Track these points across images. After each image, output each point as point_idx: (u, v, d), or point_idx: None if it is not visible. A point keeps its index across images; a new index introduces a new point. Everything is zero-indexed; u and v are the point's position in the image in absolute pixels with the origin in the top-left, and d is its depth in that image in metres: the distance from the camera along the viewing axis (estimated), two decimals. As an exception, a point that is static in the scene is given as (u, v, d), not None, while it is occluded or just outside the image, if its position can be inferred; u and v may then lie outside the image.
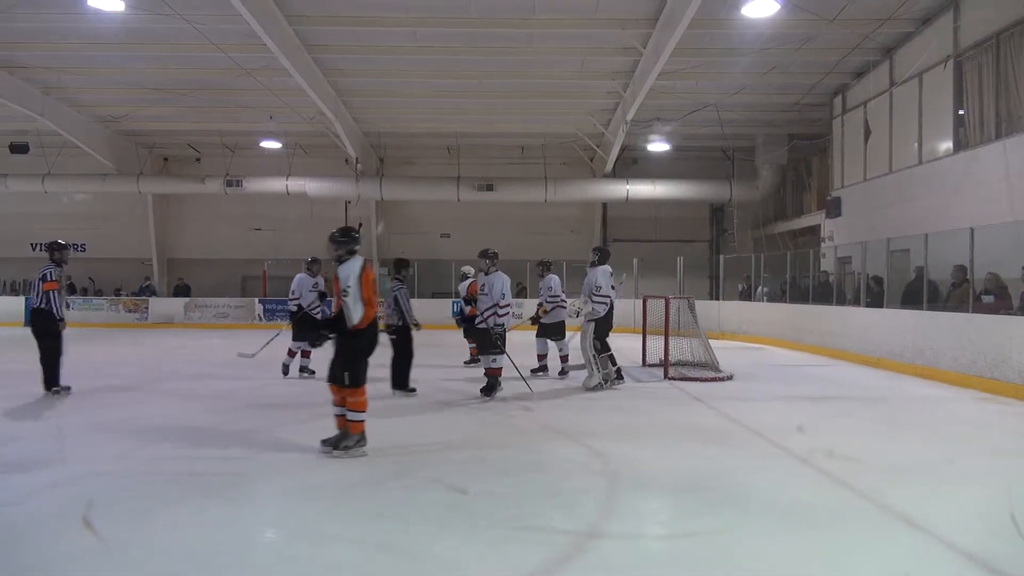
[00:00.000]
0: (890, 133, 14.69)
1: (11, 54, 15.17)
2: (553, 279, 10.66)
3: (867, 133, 15.67)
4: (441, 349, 12.27)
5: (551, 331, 10.41)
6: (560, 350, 10.49)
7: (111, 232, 23.97)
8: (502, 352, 8.38)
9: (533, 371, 10.13)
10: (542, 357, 10.46)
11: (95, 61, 15.51)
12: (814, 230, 19.14)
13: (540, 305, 10.49)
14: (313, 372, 10.01)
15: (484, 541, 3.93)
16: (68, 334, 8.52)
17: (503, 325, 8.37)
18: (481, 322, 8.46)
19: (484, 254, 8.64)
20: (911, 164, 13.86)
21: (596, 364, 9.07)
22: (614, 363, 9.28)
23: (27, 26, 13.59)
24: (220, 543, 3.86)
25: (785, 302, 16.01)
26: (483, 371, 8.61)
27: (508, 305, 8.43)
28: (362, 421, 5.65)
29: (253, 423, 7.11)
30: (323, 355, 6.30)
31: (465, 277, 12.23)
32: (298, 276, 10.26)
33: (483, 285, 8.45)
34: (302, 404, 8.19)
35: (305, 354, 10.14)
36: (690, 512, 4.45)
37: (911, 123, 13.84)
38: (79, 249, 24.43)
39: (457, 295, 21.45)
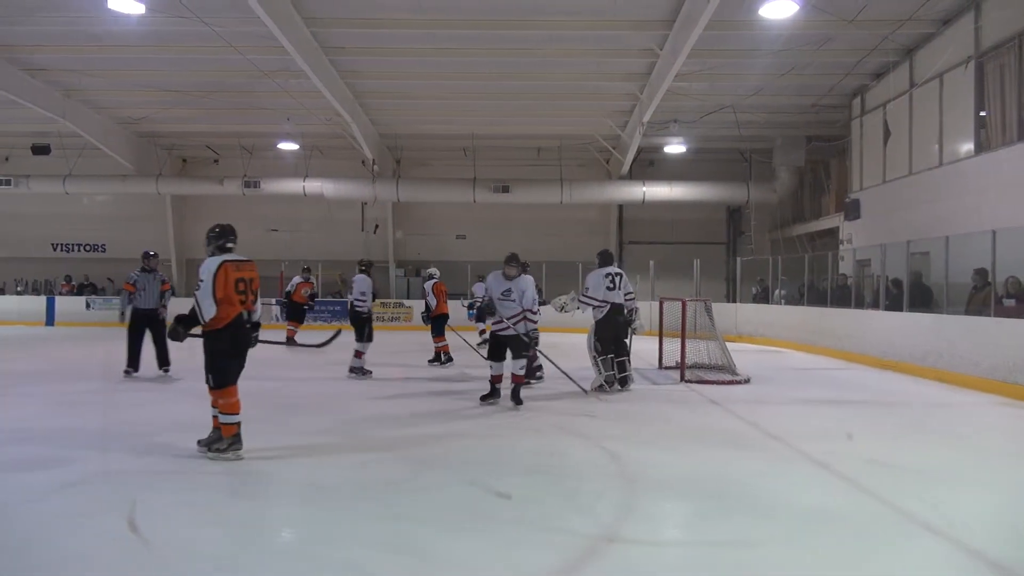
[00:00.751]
0: (910, 135, 14.54)
1: (33, 57, 15.34)
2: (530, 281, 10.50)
3: (887, 135, 15.53)
4: (455, 351, 12.25)
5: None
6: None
7: (130, 233, 24.17)
8: (526, 356, 8.28)
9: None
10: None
11: (115, 63, 15.65)
12: (832, 232, 18.99)
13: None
14: (369, 372, 10.52)
15: (500, 543, 3.93)
16: (89, 333, 8.56)
17: (536, 329, 8.26)
18: (507, 328, 8.12)
19: (515, 260, 8.21)
20: (932, 166, 13.72)
21: (598, 366, 9.08)
22: (622, 369, 9.15)
23: (49, 29, 13.73)
24: (237, 542, 3.88)
25: (803, 305, 15.90)
26: (511, 377, 8.19)
27: (538, 311, 8.27)
28: (234, 424, 5.56)
29: (273, 423, 7.15)
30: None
31: (431, 277, 12.35)
32: (357, 277, 11.11)
33: (508, 290, 8.09)
34: (323, 405, 8.23)
35: (358, 354, 10.50)
36: (707, 516, 4.43)
37: (932, 124, 13.70)
38: (99, 250, 24.77)
39: (472, 295, 21.55)
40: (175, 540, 3.90)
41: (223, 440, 5.57)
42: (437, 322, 12.03)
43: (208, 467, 5.39)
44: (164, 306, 10.40)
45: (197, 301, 5.42)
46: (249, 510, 4.46)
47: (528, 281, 8.19)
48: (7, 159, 22.98)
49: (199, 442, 5.69)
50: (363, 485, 4.99)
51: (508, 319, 8.09)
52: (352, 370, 10.44)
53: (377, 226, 23.48)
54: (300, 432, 6.71)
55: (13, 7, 12.68)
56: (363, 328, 10.50)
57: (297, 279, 15.61)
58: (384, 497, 4.72)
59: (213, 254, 5.62)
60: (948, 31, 13.08)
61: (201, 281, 5.43)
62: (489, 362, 8.31)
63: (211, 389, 5.58)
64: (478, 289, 10.86)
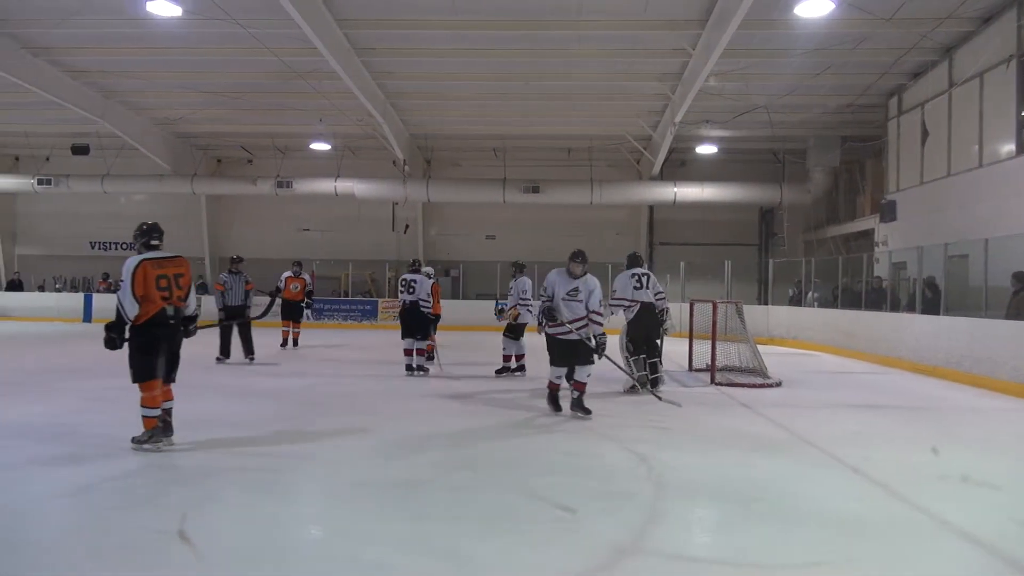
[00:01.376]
0: (949, 135, 14.26)
1: (73, 59, 15.68)
2: (525, 281, 10.79)
3: (924, 135, 15.25)
4: (483, 351, 12.29)
5: (515, 331, 10.57)
6: (515, 350, 10.65)
7: (166, 231, 24.43)
8: (591, 362, 7.44)
9: (498, 372, 10.64)
10: (516, 357, 10.69)
11: (153, 65, 15.93)
12: (867, 234, 18.68)
13: (513, 307, 10.67)
14: (427, 370, 10.77)
15: (528, 544, 3.92)
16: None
17: (604, 334, 7.59)
18: (568, 332, 7.35)
19: (581, 257, 7.52)
20: (971, 167, 13.44)
21: (630, 366, 9.02)
22: (654, 370, 9.08)
23: (88, 32, 14.02)
24: (265, 540, 3.92)
25: (837, 308, 15.66)
26: (572, 384, 7.57)
27: (604, 313, 7.61)
28: (153, 418, 5.70)
29: (301, 421, 7.22)
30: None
31: (428, 277, 12.27)
32: (419, 278, 10.92)
33: (575, 290, 7.39)
34: (351, 404, 8.29)
35: (419, 352, 10.71)
36: (737, 522, 4.36)
37: (971, 125, 13.42)
38: (135, 248, 25.20)
39: (503, 296, 21.58)
40: (204, 536, 3.95)
41: (144, 432, 5.72)
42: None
43: (237, 464, 5.45)
44: (248, 305, 11.75)
45: (119, 301, 5.62)
46: (278, 508, 4.49)
47: (595, 281, 7.55)
48: (48, 159, 23.48)
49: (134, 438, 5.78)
50: (390, 484, 5.00)
51: (571, 322, 7.36)
52: (419, 368, 10.64)
53: (407, 226, 23.60)
54: (328, 431, 6.76)
55: (54, 10, 12.96)
56: (428, 327, 10.81)
57: (286, 274, 14.30)
58: (412, 497, 4.74)
59: (140, 252, 5.87)
60: (989, 29, 12.81)
61: (122, 281, 5.62)
62: (553, 368, 7.59)
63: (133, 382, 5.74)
64: (522, 285, 10.50)
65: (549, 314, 7.35)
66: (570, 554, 3.80)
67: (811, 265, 17.32)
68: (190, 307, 5.97)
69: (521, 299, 10.54)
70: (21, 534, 3.94)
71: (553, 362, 7.52)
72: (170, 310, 5.71)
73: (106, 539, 3.90)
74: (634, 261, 9.64)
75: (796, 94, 16.20)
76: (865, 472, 5.43)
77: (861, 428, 7.35)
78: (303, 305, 14.36)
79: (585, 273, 7.50)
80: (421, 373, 10.59)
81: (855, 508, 4.59)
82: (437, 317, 11.78)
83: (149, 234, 5.97)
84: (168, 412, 5.88)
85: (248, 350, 11.68)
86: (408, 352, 10.59)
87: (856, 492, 5.02)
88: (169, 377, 5.88)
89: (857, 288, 15.55)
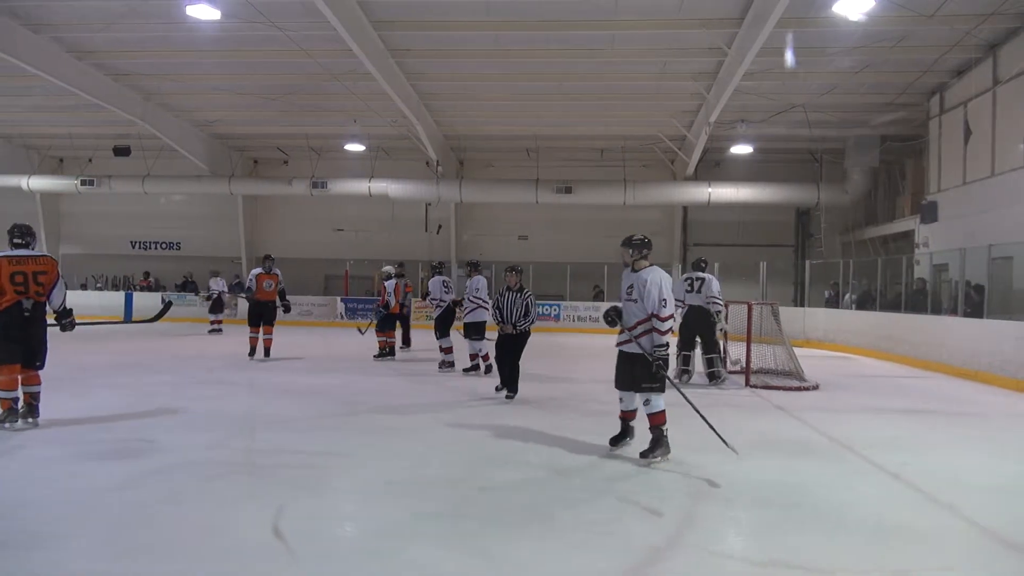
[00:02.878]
0: (993, 134, 13.93)
1: (116, 62, 16.03)
2: (480, 280, 10.94)
3: (967, 134, 14.91)
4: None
5: (471, 331, 10.62)
6: (480, 350, 10.71)
7: (204, 231, 25.05)
8: (661, 389, 5.78)
9: (465, 370, 10.79)
10: (473, 356, 10.78)
11: (192, 68, 16.21)
12: (907, 236, 18.32)
13: (459, 302, 11.15)
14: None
15: (563, 545, 3.91)
16: (165, 328, 8.91)
17: (665, 347, 5.73)
18: (628, 342, 5.83)
19: (627, 242, 6.01)
20: (1016, 166, 13.11)
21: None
22: (710, 364, 9.96)
23: (131, 36, 14.31)
24: (305, 536, 3.95)
25: (875, 310, 15.38)
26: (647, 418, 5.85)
27: (670, 317, 5.79)
28: (8, 399, 6.31)
29: (340, 418, 7.30)
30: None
31: (389, 277, 12.65)
32: (432, 279, 11.69)
33: (629, 287, 5.88)
34: (386, 402, 8.34)
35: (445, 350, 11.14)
36: (772, 528, 4.30)
37: (1017, 123, 13.09)
38: (174, 247, 25.70)
39: (537, 298, 21.56)
40: (244, 531, 4.00)
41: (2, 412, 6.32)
42: (389, 319, 12.56)
43: (276, 460, 5.52)
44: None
45: None
46: (314, 505, 4.54)
47: (655, 275, 5.76)
48: (90, 160, 24.03)
49: None
50: (425, 483, 5.03)
51: (629, 328, 5.85)
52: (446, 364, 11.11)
53: (440, 226, 23.69)
54: (363, 429, 6.82)
55: (98, 15, 13.27)
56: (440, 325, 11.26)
57: (256, 271, 12.02)
58: (447, 496, 4.75)
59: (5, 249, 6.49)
60: (1035, 25, 12.50)
61: None
62: (619, 392, 6.01)
63: None
64: (475, 284, 10.85)
65: (610, 320, 6.01)
66: (606, 557, 3.78)
67: (849, 267, 17.03)
68: (54, 302, 6.56)
69: (474, 298, 10.70)
70: (69, 527, 4.03)
71: (662, 387, 5.81)
72: (26, 303, 6.28)
73: (152, 533, 3.97)
74: (695, 266, 10.33)
75: (834, 93, 15.95)
76: (905, 478, 5.32)
77: (900, 433, 7.21)
78: (277, 306, 11.98)
79: (640, 264, 5.88)
80: (447, 369, 11.05)
81: (894, 515, 4.51)
82: (395, 316, 12.55)
83: (12, 234, 6.53)
84: (33, 396, 6.47)
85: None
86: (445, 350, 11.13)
87: (895, 499, 4.93)
88: (31, 363, 6.39)
89: (897, 290, 15.26)
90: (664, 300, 5.67)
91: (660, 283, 5.69)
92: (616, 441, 6.04)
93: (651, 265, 5.88)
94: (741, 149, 20.30)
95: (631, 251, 5.92)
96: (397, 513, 4.40)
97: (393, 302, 12.34)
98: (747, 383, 10.00)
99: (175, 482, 4.93)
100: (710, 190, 20.67)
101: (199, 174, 22.63)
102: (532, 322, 8.51)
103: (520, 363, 8.58)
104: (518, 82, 16.56)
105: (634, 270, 5.89)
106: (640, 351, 5.72)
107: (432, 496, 4.74)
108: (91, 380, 9.43)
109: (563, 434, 6.76)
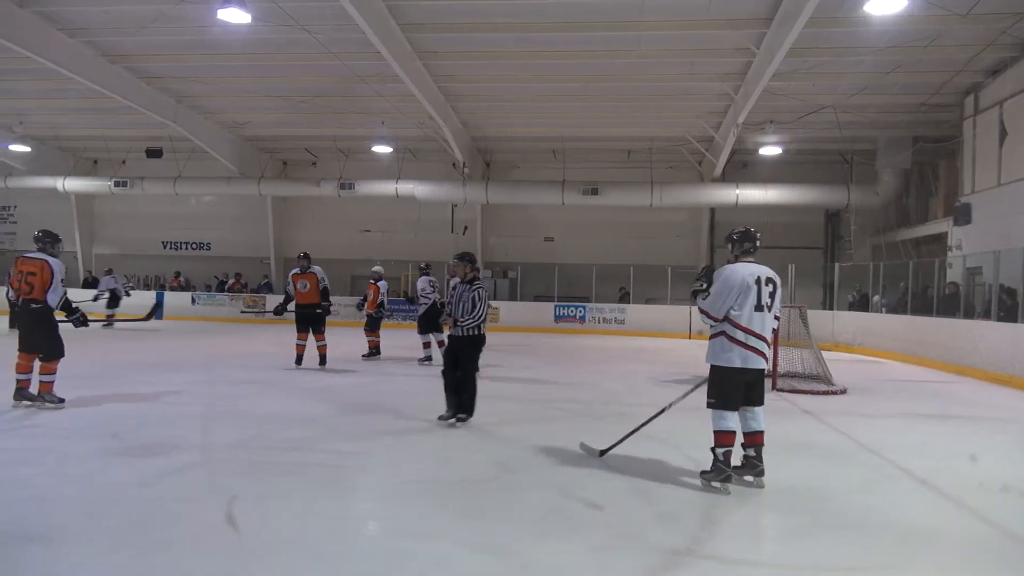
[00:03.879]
0: (1029, 135, 13.65)
1: (148, 66, 16.30)
2: (423, 279, 12.04)
3: (1003, 135, 14.62)
4: (543, 350, 12.31)
5: (432, 326, 11.55)
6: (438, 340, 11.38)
7: (234, 232, 25.35)
8: (716, 404, 5.07)
9: (421, 361, 11.56)
10: (427, 346, 11.75)
11: (222, 71, 16.44)
12: (939, 238, 18.01)
13: (444, 301, 11.25)
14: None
15: (584, 547, 3.90)
16: (196, 327, 9.01)
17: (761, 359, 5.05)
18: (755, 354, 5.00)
19: (734, 238, 5.30)
20: (1052, 168, 12.84)
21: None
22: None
23: (163, 39, 14.55)
24: (329, 535, 3.99)
25: (907, 313, 15.15)
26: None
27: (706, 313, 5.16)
28: (21, 380, 7.08)
29: (362, 418, 7.35)
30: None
31: (380, 278, 12.83)
32: (420, 279, 12.04)
33: (719, 274, 5.12)
34: (405, 403, 8.38)
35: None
36: (799, 533, 4.25)
37: (1053, 124, 12.82)
38: (205, 248, 26.05)
39: (561, 300, 21.57)
40: (266, 530, 4.05)
41: None
42: (377, 320, 12.82)
43: (302, 460, 5.58)
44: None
45: None
46: (338, 503, 4.58)
47: (725, 270, 5.11)
48: (123, 162, 24.46)
49: None
50: (447, 483, 5.05)
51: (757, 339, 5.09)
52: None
53: (466, 227, 23.75)
54: (384, 430, 6.85)
55: (131, 20, 13.51)
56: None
57: (293, 271, 11.15)
58: (468, 496, 4.77)
59: None
60: (1073, 23, 12.23)
61: None
62: (718, 415, 5.11)
63: None
64: (420, 284, 11.90)
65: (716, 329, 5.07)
66: (625, 557, 3.77)
67: (879, 269, 16.79)
68: (51, 301, 7.13)
69: (422, 295, 11.91)
70: (93, 523, 4.11)
71: (722, 403, 5.04)
72: (11, 296, 7.17)
73: (173, 530, 4.03)
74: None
75: (865, 93, 15.72)
76: (934, 484, 5.24)
77: (931, 439, 7.10)
78: (318, 311, 10.97)
79: (753, 256, 5.25)
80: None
81: (923, 521, 4.44)
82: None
83: (34, 237, 7.38)
84: (20, 382, 7.10)
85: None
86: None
87: (925, 505, 4.85)
88: (25, 349, 7.11)
89: (929, 293, 15.01)
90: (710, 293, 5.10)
91: (722, 280, 5.04)
92: (741, 470, 5.11)
93: (744, 262, 5.19)
94: (770, 150, 20.09)
95: (731, 246, 5.34)
96: (417, 512, 4.42)
97: (386, 302, 12.82)
98: (774, 387, 9.89)
99: (197, 480, 5.00)
100: (738, 192, 20.50)
101: (229, 175, 22.92)
102: (480, 321, 6.93)
103: (478, 377, 7.12)
104: (544, 83, 16.56)
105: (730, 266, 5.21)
106: (764, 367, 5.15)
107: (453, 496, 4.76)
108: (121, 377, 9.59)
109: (587, 436, 6.74)
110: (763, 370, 5.10)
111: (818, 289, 21.40)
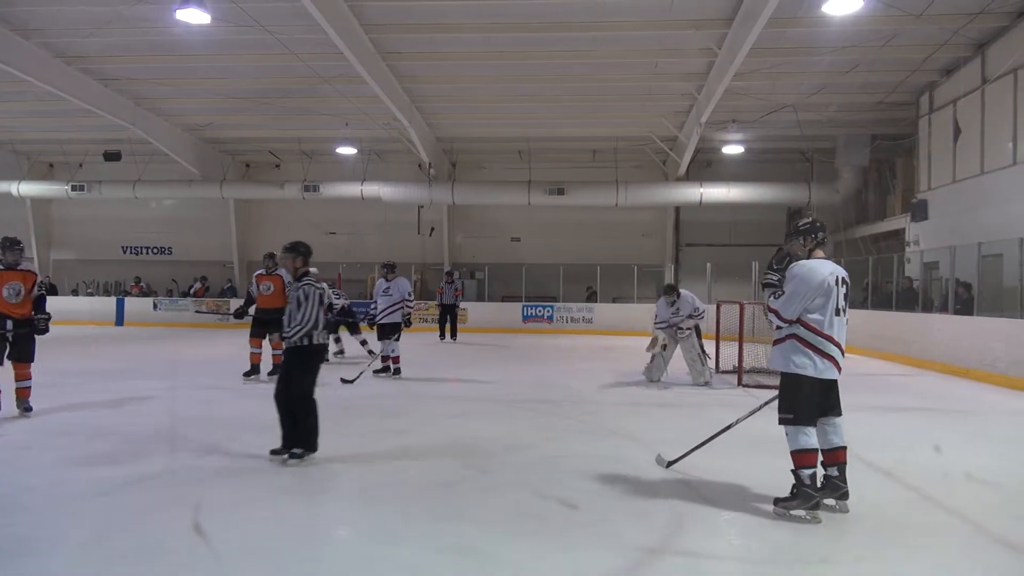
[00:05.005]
0: (982, 132, 14.01)
1: (105, 67, 15.95)
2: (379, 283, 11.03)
3: (956, 133, 14.99)
4: (511, 350, 12.33)
5: (390, 331, 10.61)
6: (392, 351, 10.66)
7: (196, 236, 24.96)
8: (793, 419, 4.53)
9: (376, 372, 10.61)
10: (385, 359, 10.70)
11: (182, 72, 16.16)
12: (898, 234, 18.40)
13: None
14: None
15: (556, 546, 3.91)
16: (158, 333, 8.82)
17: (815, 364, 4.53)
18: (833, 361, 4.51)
19: (812, 228, 4.83)
20: (1005, 165, 13.19)
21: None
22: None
23: (120, 40, 14.26)
24: (296, 540, 3.95)
25: (867, 309, 15.44)
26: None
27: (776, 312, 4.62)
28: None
29: (331, 423, 7.26)
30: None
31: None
32: (378, 281, 11.10)
33: (796, 272, 4.56)
34: (379, 407, 8.33)
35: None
36: (766, 527, 4.31)
37: (1005, 122, 13.17)
38: (166, 252, 25.62)
39: (528, 300, 21.60)
40: (235, 537, 4.00)
41: None
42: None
43: (268, 466, 5.51)
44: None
45: None
46: (308, 509, 4.54)
47: (802, 267, 4.59)
48: (81, 166, 23.94)
49: None
50: (419, 486, 5.03)
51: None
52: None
53: (433, 229, 23.69)
54: (357, 433, 6.81)
55: (88, 20, 13.21)
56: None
57: (257, 272, 10.59)
58: (441, 498, 4.76)
59: None
60: (1023, 24, 12.57)
61: None
62: (797, 430, 4.51)
63: None
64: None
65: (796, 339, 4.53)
66: (598, 556, 3.79)
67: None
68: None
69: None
70: (55, 532, 4.01)
71: (800, 418, 4.52)
72: None
73: (139, 540, 3.95)
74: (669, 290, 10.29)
75: (824, 92, 16.01)
76: (898, 476, 5.35)
77: (893, 431, 7.25)
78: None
79: (817, 255, 4.77)
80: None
81: (888, 512, 4.53)
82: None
83: None
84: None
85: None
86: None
87: (889, 496, 4.95)
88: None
89: (888, 289, 15.32)
90: (783, 293, 4.54)
91: (794, 276, 4.52)
92: (821, 492, 4.49)
93: (824, 257, 4.75)
94: (732, 149, 20.37)
95: (802, 240, 4.78)
96: (388, 516, 4.39)
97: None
98: (739, 382, 10.03)
99: (161, 488, 4.91)
100: (702, 190, 20.72)
101: (190, 178, 22.55)
102: (307, 328, 5.63)
103: (315, 403, 5.73)
104: (510, 84, 16.57)
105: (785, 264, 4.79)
106: (774, 368, 4.77)
107: (425, 499, 4.74)
108: (85, 385, 9.38)
109: (556, 436, 6.77)
110: (836, 380, 4.56)
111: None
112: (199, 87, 17.10)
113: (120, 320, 21.97)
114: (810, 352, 4.44)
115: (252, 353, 10.06)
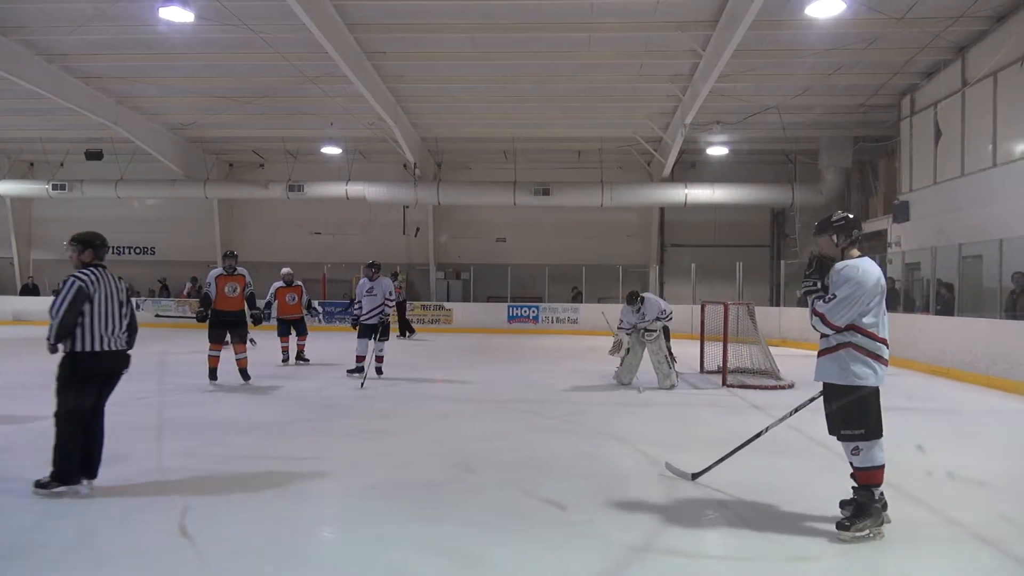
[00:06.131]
0: (962, 134, 14.16)
1: (86, 65, 15.80)
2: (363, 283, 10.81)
3: (937, 135, 15.15)
4: (497, 351, 12.33)
5: (373, 332, 10.47)
6: (379, 351, 10.57)
7: (179, 236, 24.79)
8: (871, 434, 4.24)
9: (349, 371, 10.54)
10: (360, 358, 10.46)
11: (165, 71, 16.03)
12: (880, 235, 18.56)
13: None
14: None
15: (541, 547, 3.92)
16: (141, 334, 8.62)
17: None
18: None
19: (850, 224, 4.50)
20: (985, 166, 13.34)
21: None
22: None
23: (102, 38, 14.14)
24: (280, 541, 3.93)
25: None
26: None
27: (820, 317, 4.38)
28: None
29: (316, 423, 7.25)
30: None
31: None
32: (361, 280, 10.83)
33: (849, 274, 4.21)
34: (363, 406, 8.31)
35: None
36: (751, 526, 4.32)
37: (985, 124, 13.32)
38: (149, 252, 25.41)
39: (514, 300, 21.62)
40: (220, 538, 3.97)
41: None
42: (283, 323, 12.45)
43: (253, 467, 5.48)
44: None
45: None
46: (291, 510, 4.51)
47: (856, 269, 4.28)
48: (62, 164, 23.68)
49: None
50: (404, 486, 5.02)
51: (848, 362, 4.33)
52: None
53: (418, 229, 23.65)
54: (341, 433, 6.79)
55: (69, 17, 13.08)
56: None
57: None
58: (425, 499, 4.74)
59: None
60: (1002, 28, 12.72)
61: None
62: (873, 445, 4.23)
63: None
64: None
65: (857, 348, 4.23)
66: (583, 556, 3.80)
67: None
68: None
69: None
70: (34, 536, 3.97)
71: (871, 432, 4.23)
72: None
73: (125, 539, 3.92)
74: (631, 299, 10.07)
75: (808, 94, 16.14)
76: (897, 485, 5.38)
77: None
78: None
79: (852, 254, 4.45)
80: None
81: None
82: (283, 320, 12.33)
83: None
84: None
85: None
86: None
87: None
88: None
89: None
90: (834, 297, 4.21)
91: (848, 279, 4.17)
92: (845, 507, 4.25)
93: (860, 255, 4.38)
94: (717, 150, 20.49)
95: (835, 237, 4.42)
96: (373, 517, 4.38)
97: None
98: (724, 383, 10.08)
99: (147, 491, 4.87)
100: (686, 191, 20.81)
101: (173, 178, 22.40)
102: (52, 329, 4.83)
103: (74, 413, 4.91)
104: (495, 84, 16.58)
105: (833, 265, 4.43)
106: (824, 379, 4.35)
107: (410, 499, 4.73)
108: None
109: (542, 436, 6.78)
110: None
111: (765, 287, 21.88)
112: (182, 86, 16.97)
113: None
114: (870, 360, 4.19)
115: (211, 356, 9.75)
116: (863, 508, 4.08)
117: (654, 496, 4.84)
